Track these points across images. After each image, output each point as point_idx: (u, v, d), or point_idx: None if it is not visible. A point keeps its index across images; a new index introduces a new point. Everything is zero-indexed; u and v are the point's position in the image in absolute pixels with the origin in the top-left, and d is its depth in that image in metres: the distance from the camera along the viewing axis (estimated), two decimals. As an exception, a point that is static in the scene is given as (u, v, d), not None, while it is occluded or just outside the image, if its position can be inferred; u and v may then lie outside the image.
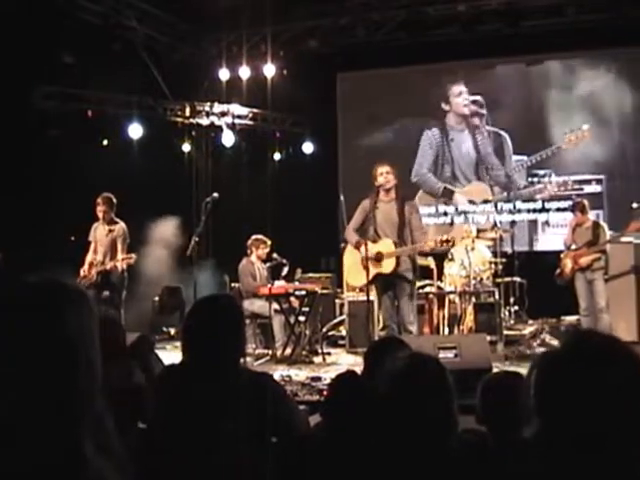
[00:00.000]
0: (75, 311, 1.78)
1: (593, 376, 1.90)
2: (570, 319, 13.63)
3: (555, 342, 12.26)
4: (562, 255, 12.36)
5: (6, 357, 1.67)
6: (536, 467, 1.96)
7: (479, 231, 14.13)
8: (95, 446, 1.74)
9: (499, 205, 16.15)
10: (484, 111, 16.73)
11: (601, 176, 16.13)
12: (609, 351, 1.98)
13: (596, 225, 12.25)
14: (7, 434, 1.64)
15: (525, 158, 16.61)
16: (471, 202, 16.76)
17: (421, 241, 9.99)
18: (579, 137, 15.99)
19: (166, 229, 13.85)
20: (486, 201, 16.15)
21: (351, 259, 10.65)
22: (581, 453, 1.87)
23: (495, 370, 8.28)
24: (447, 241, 9.82)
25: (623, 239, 12.84)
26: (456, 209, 16.98)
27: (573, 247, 12.13)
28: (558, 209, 16.38)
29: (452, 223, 16.78)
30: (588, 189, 16.12)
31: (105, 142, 15.80)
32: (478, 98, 16.89)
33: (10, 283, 1.83)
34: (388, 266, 10.16)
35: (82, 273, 11.74)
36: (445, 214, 16.96)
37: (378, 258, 10.16)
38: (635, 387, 1.91)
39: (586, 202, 12.50)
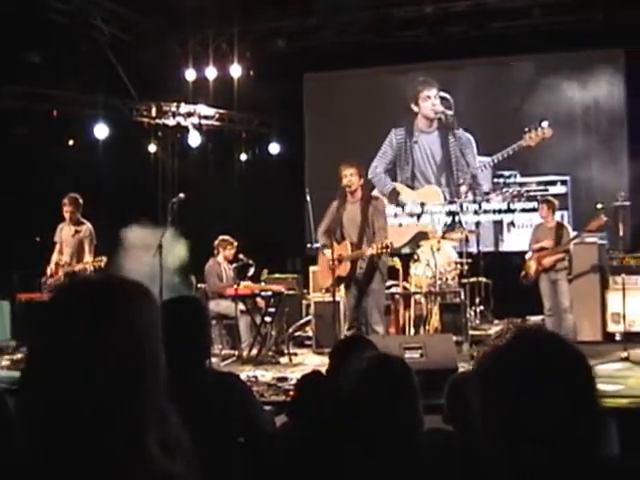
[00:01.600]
0: (141, 307, 1.80)
1: (538, 371, 1.92)
2: (535, 319, 13.71)
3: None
4: (526, 257, 12.46)
5: (75, 353, 1.68)
6: (491, 464, 1.98)
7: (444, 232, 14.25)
8: (161, 442, 1.75)
9: (464, 205, 16.24)
10: (452, 112, 16.78)
11: (566, 177, 16.26)
12: (553, 347, 2.00)
13: (559, 226, 12.37)
14: (75, 429, 1.66)
15: (489, 159, 16.72)
16: (421, 204, 16.84)
17: (380, 242, 10.01)
18: (539, 135, 16.11)
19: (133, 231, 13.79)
20: (454, 203, 16.28)
21: (321, 260, 10.79)
22: (528, 448, 1.89)
23: (461, 370, 8.33)
24: (386, 247, 9.86)
25: (587, 239, 12.96)
26: (403, 209, 17.13)
27: (536, 246, 12.24)
28: (523, 210, 16.51)
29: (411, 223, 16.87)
30: (553, 190, 16.23)
31: (71, 142, 15.72)
32: (447, 96, 16.96)
33: (75, 282, 1.87)
34: (345, 269, 10.28)
35: (49, 272, 11.68)
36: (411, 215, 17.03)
37: (339, 260, 10.26)
38: (579, 381, 1.94)
39: (556, 202, 12.61)
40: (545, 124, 16.07)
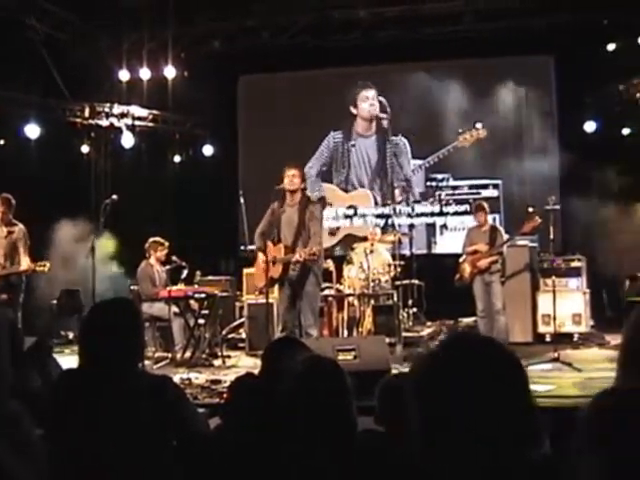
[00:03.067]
0: None
1: (474, 374, 1.96)
2: (467, 321, 13.86)
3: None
4: (460, 260, 12.59)
5: None
6: (425, 464, 2.00)
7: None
8: (9, 446, 1.74)
9: (398, 209, 16.33)
10: (387, 115, 16.83)
11: (497, 181, 16.44)
12: (488, 350, 2.03)
13: (493, 229, 12.53)
14: None
15: (423, 161, 16.84)
16: (351, 207, 16.96)
17: (309, 248, 10.10)
18: (474, 135, 16.28)
19: (65, 232, 13.66)
20: (388, 206, 16.38)
21: (257, 261, 10.83)
22: (459, 447, 1.92)
23: (394, 372, 8.38)
24: (313, 254, 9.98)
25: (519, 242, 13.14)
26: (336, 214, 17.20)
27: (470, 249, 12.38)
28: (456, 213, 16.65)
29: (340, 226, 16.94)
30: (485, 193, 16.43)
31: (2, 142, 15.51)
32: (382, 100, 17.03)
33: None
34: (277, 271, 10.35)
35: None
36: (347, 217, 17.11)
37: (273, 262, 10.32)
38: (514, 384, 1.97)
39: (486, 205, 12.77)
40: (479, 125, 16.24)
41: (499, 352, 2.04)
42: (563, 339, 12.52)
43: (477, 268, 12.26)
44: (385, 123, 17.02)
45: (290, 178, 10.45)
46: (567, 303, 13.00)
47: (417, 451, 2.02)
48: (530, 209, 13.07)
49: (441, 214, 16.83)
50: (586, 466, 2.08)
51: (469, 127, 16.35)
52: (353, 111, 17.22)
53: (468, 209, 16.43)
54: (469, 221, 14.84)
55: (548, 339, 12.95)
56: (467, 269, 12.37)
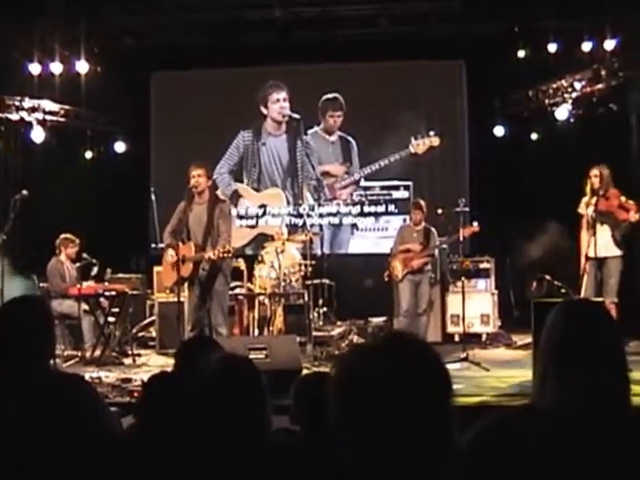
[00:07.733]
0: None
1: (401, 376, 1.99)
2: (377, 321, 13.97)
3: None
4: (390, 258, 12.66)
5: None
6: (345, 464, 2.02)
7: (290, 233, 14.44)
8: None
9: (309, 208, 16.35)
10: (298, 116, 16.87)
11: (408, 182, 16.60)
12: (418, 353, 2.06)
13: (427, 230, 12.59)
14: None
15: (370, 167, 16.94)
16: (262, 206, 16.97)
17: (221, 246, 10.20)
18: (426, 143, 16.36)
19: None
20: (299, 205, 16.43)
21: (165, 259, 10.84)
22: (386, 449, 1.95)
23: (305, 371, 8.46)
24: (227, 252, 10.11)
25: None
26: (246, 213, 17.21)
27: (402, 247, 12.46)
28: (370, 213, 16.76)
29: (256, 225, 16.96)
30: (396, 194, 16.58)
31: None
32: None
33: None
34: (187, 269, 10.41)
35: None
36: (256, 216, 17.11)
37: (183, 260, 10.37)
38: (440, 389, 2.01)
39: (423, 203, 12.83)
40: (432, 133, 16.36)
41: (432, 355, 2.07)
42: (471, 339, 12.76)
43: (409, 267, 12.33)
44: (293, 122, 17.02)
45: (195, 178, 10.60)
46: (476, 304, 13.27)
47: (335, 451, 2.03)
48: (439, 210, 13.24)
49: (350, 214, 16.90)
50: None
51: (422, 134, 16.45)
52: (263, 111, 17.20)
53: (379, 210, 16.62)
54: (382, 222, 15.08)
55: (457, 339, 13.18)
56: (398, 267, 12.41)
